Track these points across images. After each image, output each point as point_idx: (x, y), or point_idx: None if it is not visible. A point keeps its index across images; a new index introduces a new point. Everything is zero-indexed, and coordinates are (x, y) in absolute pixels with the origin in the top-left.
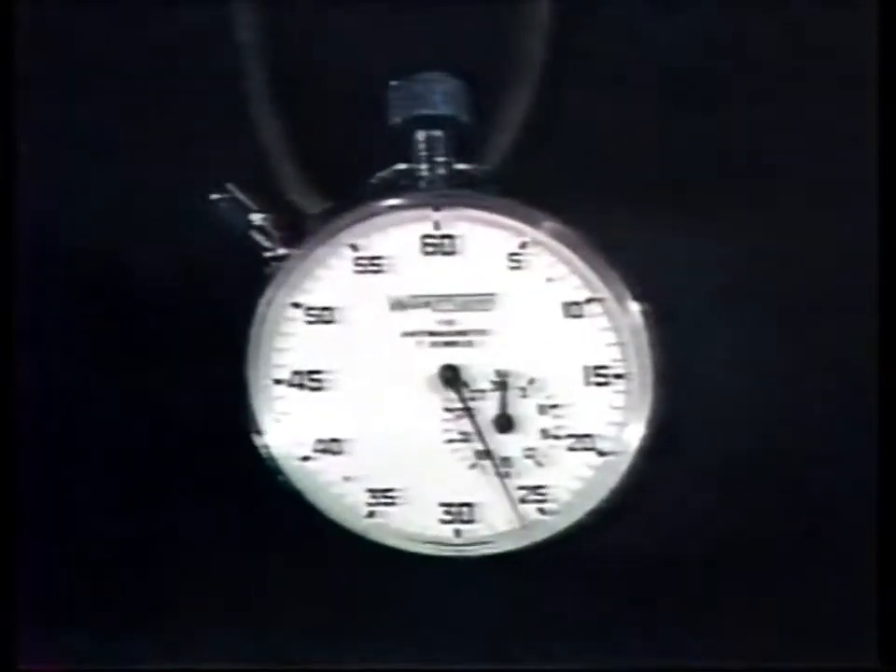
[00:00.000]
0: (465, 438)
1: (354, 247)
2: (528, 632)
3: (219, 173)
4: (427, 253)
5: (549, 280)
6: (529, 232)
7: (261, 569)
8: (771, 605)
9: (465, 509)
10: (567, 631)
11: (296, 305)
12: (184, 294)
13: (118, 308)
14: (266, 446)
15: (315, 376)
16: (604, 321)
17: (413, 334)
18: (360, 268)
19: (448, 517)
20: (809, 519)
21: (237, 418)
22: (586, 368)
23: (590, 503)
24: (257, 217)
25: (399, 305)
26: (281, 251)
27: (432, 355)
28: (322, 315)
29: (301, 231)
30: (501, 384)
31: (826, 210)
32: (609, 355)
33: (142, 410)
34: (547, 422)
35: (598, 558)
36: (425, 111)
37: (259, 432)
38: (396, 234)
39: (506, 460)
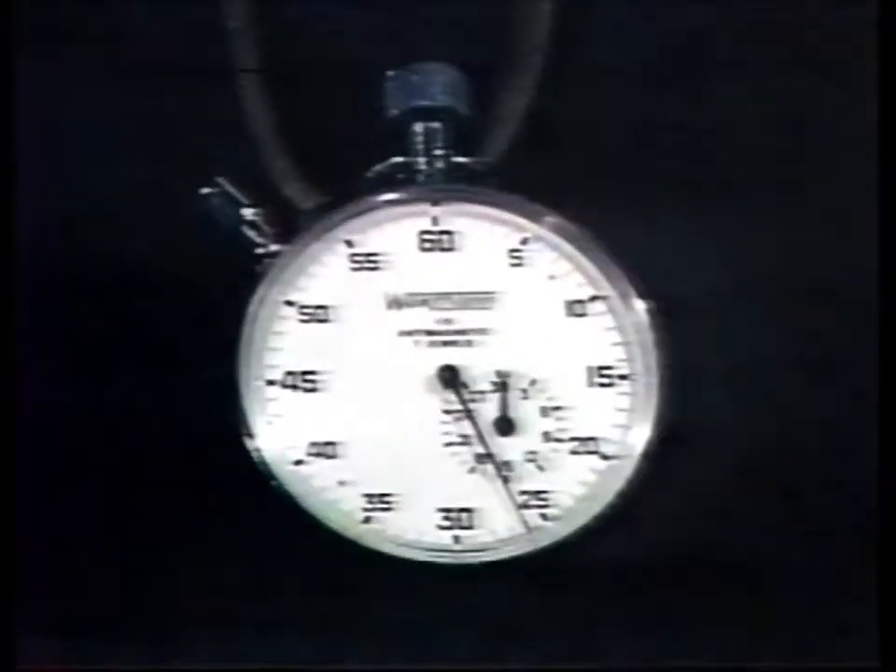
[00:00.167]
0: (464, 441)
1: (349, 243)
2: (528, 637)
3: (210, 166)
4: (425, 249)
5: (551, 277)
6: (531, 228)
7: (259, 572)
8: (771, 605)
9: (464, 514)
10: (568, 635)
11: (289, 303)
12: (172, 292)
13: (101, 307)
14: (258, 450)
15: (309, 377)
16: (608, 320)
17: (410, 333)
18: (356, 265)
19: (447, 523)
20: (810, 519)
21: (228, 420)
22: (590, 368)
23: (593, 508)
24: (248, 212)
25: (395, 303)
26: (274, 247)
27: (430, 355)
28: (316, 314)
29: (294, 226)
30: (502, 385)
31: (828, 207)
32: (613, 355)
33: (130, 411)
34: (549, 424)
35: (599, 563)
36: (423, 102)
37: (250, 435)
38: (393, 230)
39: (506, 464)
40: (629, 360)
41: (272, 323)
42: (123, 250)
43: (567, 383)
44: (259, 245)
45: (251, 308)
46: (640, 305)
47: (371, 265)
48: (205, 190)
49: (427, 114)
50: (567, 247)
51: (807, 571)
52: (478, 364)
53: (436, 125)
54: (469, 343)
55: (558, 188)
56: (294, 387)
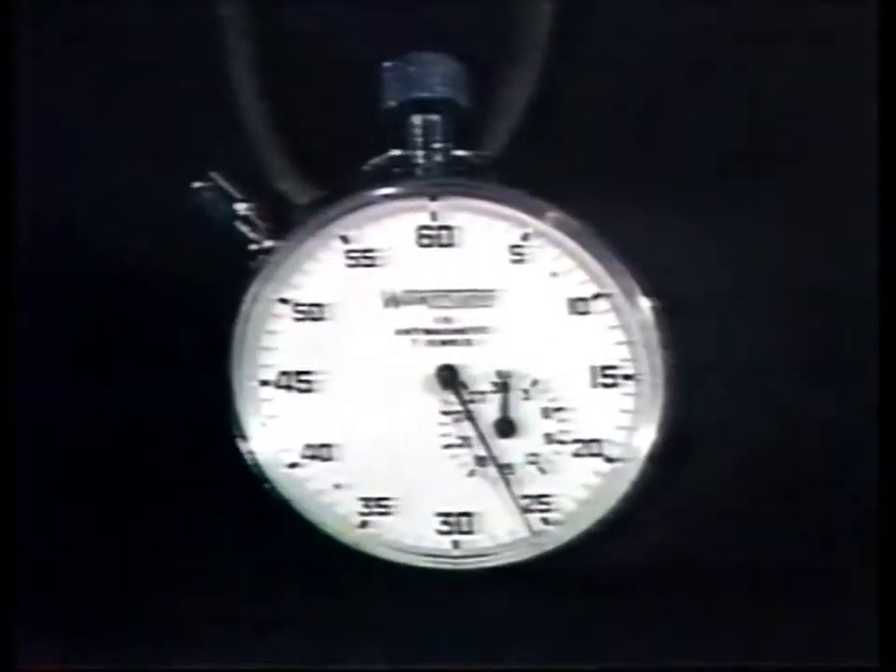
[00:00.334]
0: (463, 443)
1: (345, 239)
2: (528, 640)
3: (202, 160)
4: (424, 245)
5: (553, 274)
6: (532, 223)
7: (259, 573)
8: (771, 605)
9: (464, 518)
10: (568, 638)
11: (283, 301)
12: (162, 290)
13: (100, 306)
14: (251, 452)
15: (304, 377)
16: (612, 318)
17: (408, 332)
18: (352, 261)
19: (446, 527)
20: (810, 519)
21: (222, 422)
22: (593, 368)
23: (597, 513)
24: (242, 207)
25: (393, 301)
26: (267, 243)
27: (429, 354)
28: (311, 312)
29: (288, 221)
30: (502, 385)
31: (828, 207)
32: (617, 354)
33: (127, 411)
34: (551, 426)
35: (599, 566)
36: (421, 94)
37: (244, 437)
38: (390, 225)
39: (507, 467)
40: (633, 360)
41: (265, 322)
42: (120, 249)
43: (570, 383)
44: (252, 241)
45: (244, 306)
46: (645, 303)
47: (368, 262)
48: (197, 185)
49: (425, 106)
50: (570, 243)
51: (807, 571)
52: (478, 364)
53: (435, 117)
54: (468, 343)
55: (560, 182)
56: (288, 388)
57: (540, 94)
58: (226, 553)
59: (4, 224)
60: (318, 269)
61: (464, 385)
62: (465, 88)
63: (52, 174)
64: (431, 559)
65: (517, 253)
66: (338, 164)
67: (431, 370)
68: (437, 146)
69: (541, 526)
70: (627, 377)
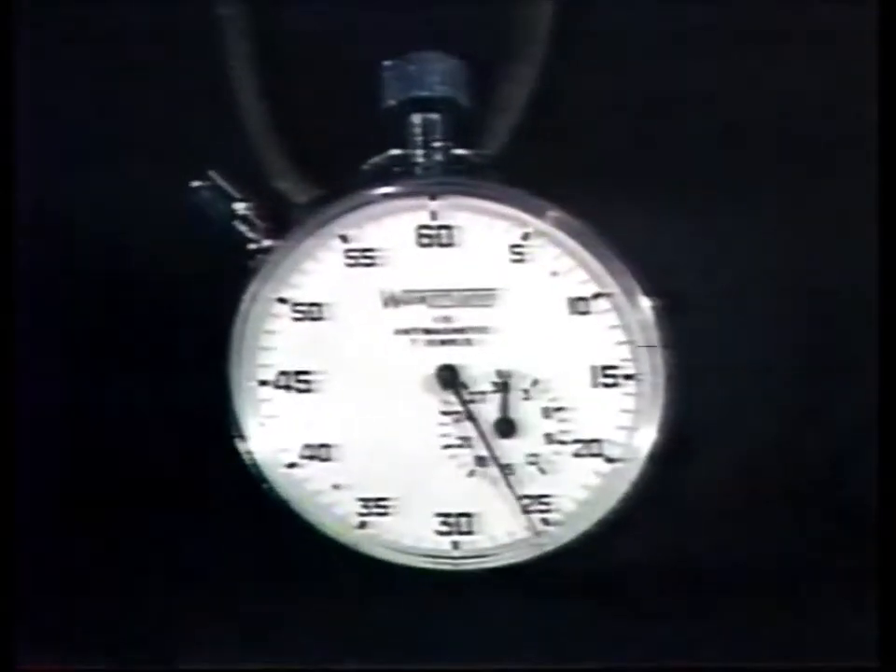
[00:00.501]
0: (463, 443)
1: (344, 239)
2: (528, 642)
3: (202, 160)
4: (423, 245)
5: (553, 274)
6: (532, 223)
7: (259, 573)
8: (771, 605)
9: (463, 519)
10: (568, 639)
11: (282, 301)
12: (162, 290)
13: (99, 307)
14: (250, 452)
15: (303, 377)
16: (612, 318)
17: (407, 332)
18: (351, 261)
19: (445, 528)
20: (810, 520)
21: (221, 422)
22: (593, 368)
23: (597, 513)
24: (240, 206)
25: (392, 301)
26: (266, 243)
27: (428, 354)
28: (310, 312)
29: (287, 221)
30: (502, 385)
31: (828, 207)
32: (617, 354)
33: (122, 412)
34: (551, 426)
35: (599, 566)
36: (420, 93)
37: (242, 437)
38: (389, 225)
39: (507, 467)
40: (634, 360)
41: (264, 321)
42: (120, 249)
43: (570, 383)
44: (251, 241)
45: (243, 306)
46: (646, 303)
47: (367, 261)
48: (196, 184)
49: (425, 104)
50: (570, 243)
51: (807, 571)
52: (478, 364)
53: (434, 116)
54: (468, 342)
55: (561, 181)
56: (287, 388)
57: (540, 93)
58: (225, 553)
59: (4, 224)
60: (317, 268)
61: (464, 385)
62: (465, 86)
63: (52, 174)
64: (431, 560)
65: (517, 252)
66: (338, 164)
67: (431, 370)
68: (437, 144)
69: (541, 527)
70: (628, 377)
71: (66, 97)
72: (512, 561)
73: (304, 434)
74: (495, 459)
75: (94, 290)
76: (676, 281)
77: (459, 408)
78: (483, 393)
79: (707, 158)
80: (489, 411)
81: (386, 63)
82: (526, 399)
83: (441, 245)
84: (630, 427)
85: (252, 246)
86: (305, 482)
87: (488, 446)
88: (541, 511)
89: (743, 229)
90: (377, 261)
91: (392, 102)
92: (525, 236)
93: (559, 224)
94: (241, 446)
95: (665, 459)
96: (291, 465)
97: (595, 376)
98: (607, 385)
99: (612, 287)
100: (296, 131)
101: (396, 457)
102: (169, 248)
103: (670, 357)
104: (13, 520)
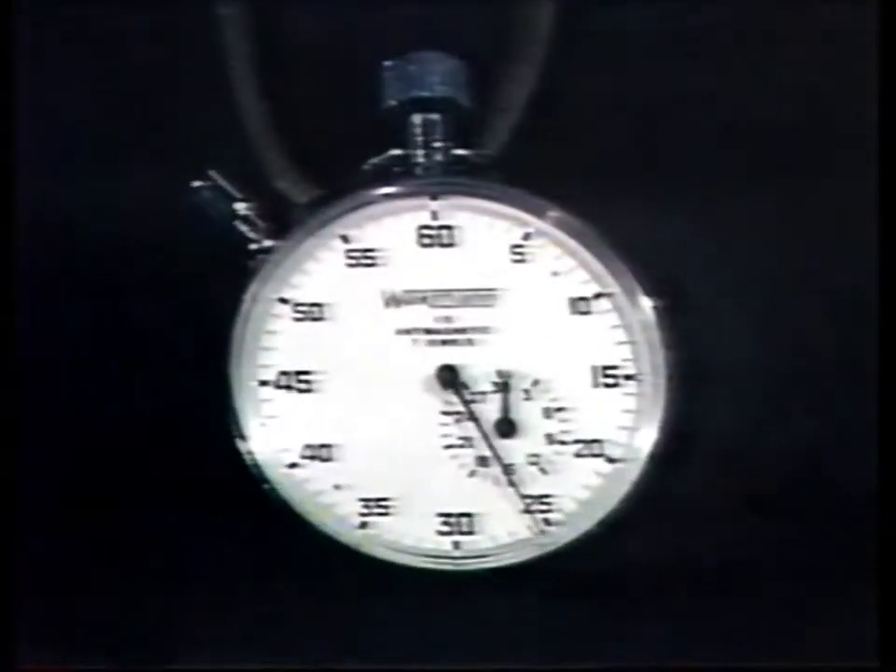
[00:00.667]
0: (464, 443)
1: (345, 239)
2: (529, 642)
3: (202, 160)
4: (424, 245)
5: (554, 274)
6: (533, 223)
7: (259, 574)
8: (771, 605)
9: (464, 519)
10: (568, 639)
11: (283, 301)
12: (162, 290)
13: (100, 306)
14: (251, 452)
15: (304, 377)
16: (613, 318)
17: (408, 332)
18: (352, 261)
19: (446, 528)
20: (810, 519)
21: (221, 422)
22: (594, 368)
23: (598, 513)
24: (241, 207)
25: (393, 301)
26: (267, 243)
27: (429, 354)
28: (311, 312)
29: (288, 221)
30: (503, 385)
31: (828, 207)
32: (618, 354)
33: (122, 412)
34: (552, 426)
35: (600, 566)
36: (421, 93)
37: (243, 437)
38: (390, 225)
39: (509, 467)
40: (635, 360)
41: (265, 322)
42: (120, 249)
43: (571, 383)
44: (251, 241)
45: (244, 306)
46: (647, 303)
47: (368, 261)
48: (197, 184)
49: (425, 105)
50: (571, 243)
51: (807, 571)
52: (478, 364)
53: (435, 116)
54: (469, 342)
55: (561, 181)
56: (288, 388)
57: (540, 93)
58: (225, 553)
59: (4, 224)
60: (318, 269)
61: (464, 386)
62: (465, 86)
63: (52, 174)
64: (431, 560)
65: (518, 252)
66: (338, 164)
67: (432, 370)
68: (437, 145)
69: (543, 527)
70: (629, 377)
71: (66, 97)
72: (513, 561)
73: (305, 434)
74: (498, 459)
75: (94, 290)
76: (676, 281)
77: (460, 408)
78: (483, 393)
79: (707, 158)
80: (490, 411)
81: (386, 63)
82: (527, 399)
83: (442, 246)
84: (631, 427)
85: (253, 246)
86: (306, 482)
87: (491, 446)
88: (542, 512)
89: (743, 229)
90: (378, 261)
91: (392, 102)
92: (526, 236)
93: (560, 224)
94: (242, 446)
95: (665, 459)
96: (292, 465)
97: (595, 376)
98: (608, 386)
99: (613, 286)
100: (296, 131)
101: (397, 457)
102: (169, 248)
103: (671, 356)
104: (13, 520)
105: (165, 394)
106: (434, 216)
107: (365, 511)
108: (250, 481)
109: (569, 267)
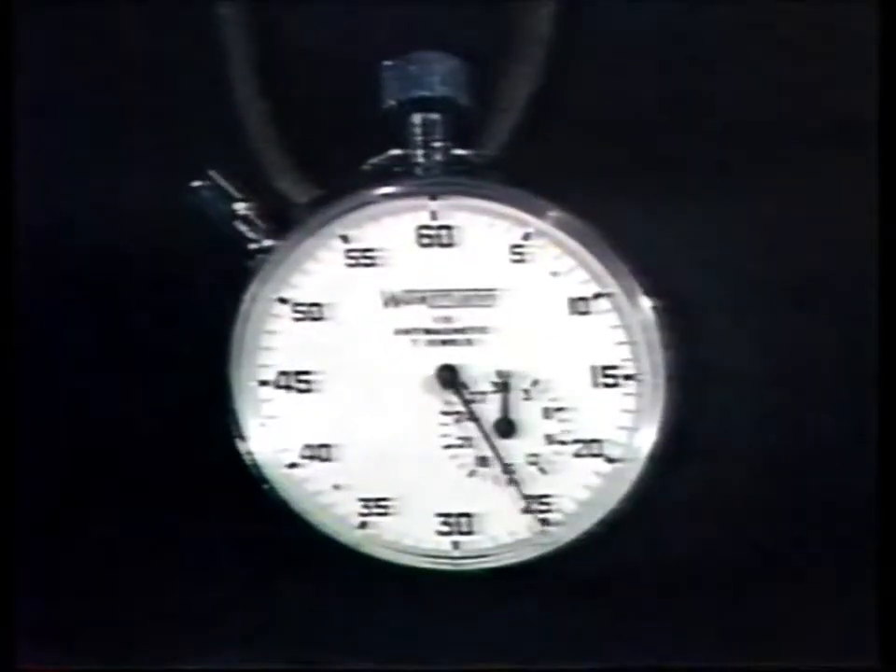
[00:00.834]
0: (464, 443)
1: (345, 239)
2: (529, 642)
3: (201, 159)
4: (424, 245)
5: (554, 274)
6: (533, 223)
7: (259, 574)
8: (771, 605)
9: (464, 519)
10: (568, 639)
11: (283, 301)
12: (161, 290)
13: (100, 307)
14: (250, 452)
15: (303, 377)
16: (613, 318)
17: (408, 332)
18: (352, 261)
19: (446, 528)
20: (810, 519)
21: (221, 422)
22: (594, 368)
23: (598, 513)
24: (241, 206)
25: (392, 301)
26: (267, 243)
27: (429, 354)
28: (311, 312)
29: (287, 221)
30: (503, 385)
31: (828, 207)
32: (618, 354)
33: (121, 412)
34: (552, 426)
35: (600, 566)
36: (421, 93)
37: (242, 437)
38: (390, 225)
39: (510, 467)
40: (635, 360)
41: (264, 322)
42: (119, 249)
43: (571, 383)
44: (251, 241)
45: (243, 306)
46: (646, 303)
47: (368, 261)
48: (196, 184)
49: (425, 105)
50: (571, 243)
51: (807, 571)
52: (478, 364)
53: (434, 116)
54: (468, 342)
55: (561, 181)
56: (288, 388)
57: (541, 92)
58: (225, 553)
59: (4, 224)
60: (318, 268)
61: (464, 386)
62: (465, 86)
63: (52, 174)
64: (431, 560)
65: (518, 252)
66: (338, 164)
67: (431, 370)
68: (437, 144)
69: (542, 527)
70: (628, 377)
71: (66, 97)
72: (513, 561)
73: (305, 434)
74: (498, 459)
75: (94, 290)
76: (676, 281)
77: (460, 408)
78: (483, 393)
79: (707, 157)
80: (489, 411)
81: (386, 62)
82: (527, 399)
83: (442, 245)
84: (631, 427)
85: (252, 246)
86: (306, 482)
87: (492, 446)
88: (542, 512)
89: (743, 229)
90: (377, 261)
91: (392, 102)
92: (526, 236)
93: (560, 224)
94: (241, 446)
95: (665, 459)
96: (292, 465)
97: (595, 376)
98: (607, 386)
99: (613, 287)
100: (296, 131)
101: (396, 457)
102: (169, 248)
103: (671, 356)
104: (13, 520)
105: (165, 394)
106: (433, 216)
107: (364, 511)
108: (249, 481)
109: (569, 267)
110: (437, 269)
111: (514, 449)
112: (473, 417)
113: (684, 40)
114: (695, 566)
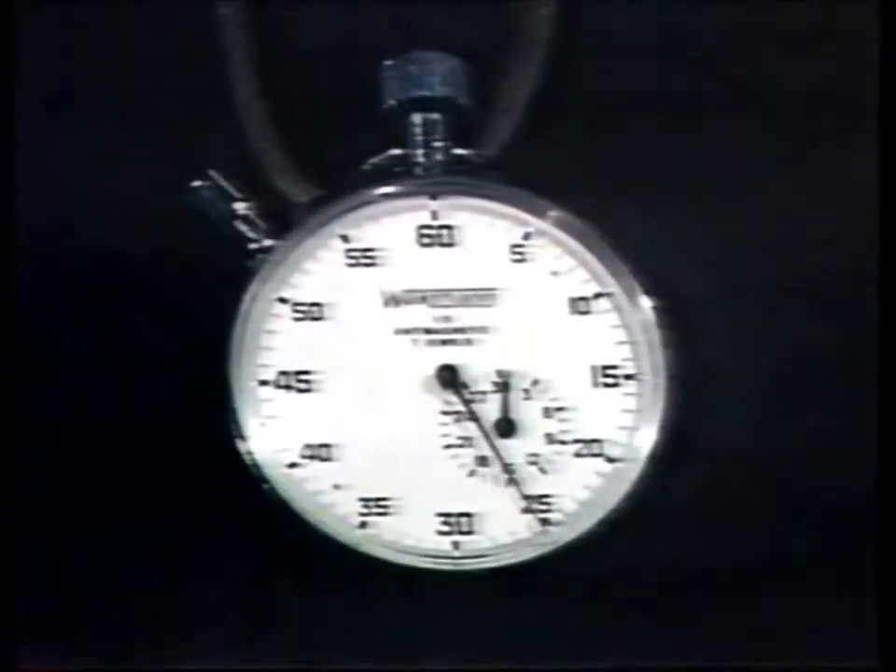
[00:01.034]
0: (464, 443)
1: (345, 238)
2: (529, 642)
3: (201, 158)
4: (424, 245)
5: (554, 274)
6: (533, 223)
7: (258, 574)
8: (771, 605)
9: (464, 519)
10: (568, 639)
11: (283, 301)
12: (161, 289)
13: (90, 307)
14: (250, 452)
15: (304, 377)
16: (613, 318)
17: (408, 332)
18: (352, 261)
19: (446, 528)
20: (810, 519)
21: (220, 422)
22: (594, 368)
23: (598, 513)
24: (241, 206)
25: (393, 301)
26: (267, 242)
27: (429, 354)
28: (311, 312)
29: (288, 220)
30: (503, 385)
31: (830, 205)
32: (618, 354)
33: (121, 412)
34: (552, 426)
35: (600, 566)
36: (421, 93)
37: (243, 437)
38: (390, 225)
39: (510, 466)
40: (635, 360)
41: (264, 321)
42: (119, 249)
43: (571, 383)
44: (251, 240)
45: (243, 306)
46: (647, 303)
47: (368, 261)
48: (196, 184)
49: (425, 104)
50: (571, 242)
51: (807, 571)
52: (478, 363)
53: (435, 116)
54: (468, 342)
55: (561, 181)
56: (288, 388)
57: (542, 92)
58: (225, 553)
59: (4, 224)
60: (318, 268)
61: (464, 385)
62: (465, 86)
63: (52, 174)
64: (431, 560)
65: (518, 252)
66: (338, 163)
67: (431, 369)
68: (437, 144)
69: (542, 527)
70: (628, 377)
71: (66, 97)
72: (513, 561)
73: (305, 434)
74: (499, 458)
75: (93, 290)
76: (676, 281)
77: (460, 408)
78: (483, 393)
79: (708, 158)
80: (489, 410)
81: (386, 62)
82: (527, 398)
83: (442, 245)
84: (631, 427)
85: (252, 246)
86: (306, 482)
87: (492, 446)
88: (542, 512)
89: (743, 229)
90: (378, 261)
91: (392, 102)
92: (526, 236)
93: (560, 224)
94: (241, 446)
95: (665, 459)
96: (292, 465)
97: (595, 376)
98: (607, 385)
99: (613, 286)
100: (296, 131)
101: (396, 457)
102: (169, 248)
103: (671, 356)
104: (13, 520)
105: (165, 394)
106: (434, 215)
107: (364, 510)
108: (249, 481)
109: (569, 267)
110: (437, 268)
111: (514, 449)
112: (473, 417)
113: (684, 40)
114: (695, 566)
